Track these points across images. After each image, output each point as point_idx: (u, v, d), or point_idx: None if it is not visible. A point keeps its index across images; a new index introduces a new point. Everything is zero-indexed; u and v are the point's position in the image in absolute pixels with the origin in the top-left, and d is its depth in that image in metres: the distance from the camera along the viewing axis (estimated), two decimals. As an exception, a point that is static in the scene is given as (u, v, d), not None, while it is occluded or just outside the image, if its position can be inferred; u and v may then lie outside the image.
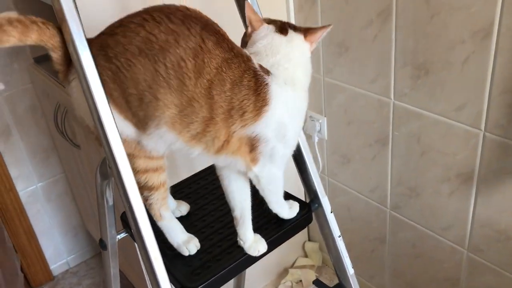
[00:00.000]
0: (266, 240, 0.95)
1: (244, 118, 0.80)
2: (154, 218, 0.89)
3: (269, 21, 0.89)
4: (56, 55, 0.81)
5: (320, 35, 0.88)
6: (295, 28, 0.88)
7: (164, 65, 0.76)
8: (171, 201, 1.03)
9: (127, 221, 0.88)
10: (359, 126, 1.57)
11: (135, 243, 0.79)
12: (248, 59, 0.81)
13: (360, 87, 1.50)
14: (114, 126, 0.75)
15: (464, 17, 1.14)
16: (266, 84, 0.81)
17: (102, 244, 1.02)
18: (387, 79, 1.41)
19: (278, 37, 0.85)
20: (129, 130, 0.82)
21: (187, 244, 0.93)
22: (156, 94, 0.77)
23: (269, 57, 0.83)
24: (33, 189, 2.03)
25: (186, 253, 0.92)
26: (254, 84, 0.80)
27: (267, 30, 0.86)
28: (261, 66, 0.82)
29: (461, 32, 1.16)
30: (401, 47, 1.32)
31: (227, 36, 0.81)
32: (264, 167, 0.86)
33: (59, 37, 0.78)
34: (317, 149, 1.77)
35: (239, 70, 0.79)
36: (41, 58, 1.84)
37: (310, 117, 1.74)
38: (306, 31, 0.87)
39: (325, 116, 1.69)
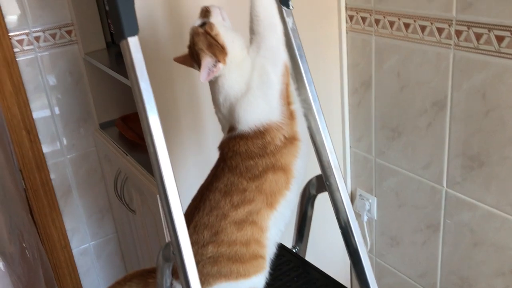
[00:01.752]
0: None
1: None
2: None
3: None
4: None
5: None
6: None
7: None
8: None
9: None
10: (410, 209, 1.57)
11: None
12: None
13: (412, 171, 1.52)
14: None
15: (521, 115, 1.16)
16: None
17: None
18: (440, 167, 1.42)
19: None
20: None
21: None
22: None
23: None
24: (85, 247, 2.10)
25: None
26: None
27: None
28: None
29: (518, 129, 1.17)
30: (455, 138, 1.34)
31: None
32: None
33: None
34: (366, 228, 1.77)
35: None
36: (106, 124, 1.96)
37: (360, 195, 1.75)
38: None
39: (375, 196, 1.70)
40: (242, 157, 0.90)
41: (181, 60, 0.96)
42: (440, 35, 1.29)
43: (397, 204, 1.62)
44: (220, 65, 0.90)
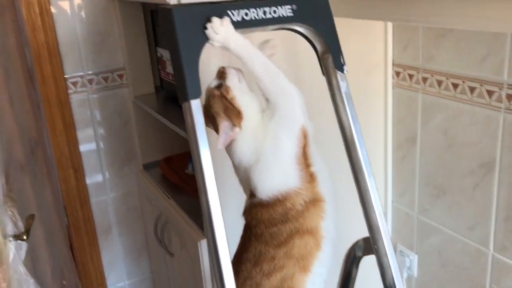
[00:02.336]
0: None
1: None
2: None
3: None
4: None
5: None
6: None
7: None
8: None
9: None
10: (453, 270, 1.53)
11: None
12: None
13: (456, 231, 1.49)
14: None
15: None
16: None
17: None
18: (487, 229, 1.38)
19: None
20: None
21: None
22: None
23: None
24: (121, 285, 2.12)
25: None
26: None
27: None
28: None
29: None
30: (503, 201, 1.31)
31: None
32: None
33: None
34: (404, 286, 1.72)
35: None
36: (150, 165, 2.01)
37: (400, 251, 1.72)
38: None
39: (416, 253, 1.67)
40: (265, 225, 0.91)
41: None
42: (490, 97, 1.28)
43: (440, 264, 1.58)
44: (237, 129, 0.91)
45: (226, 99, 0.91)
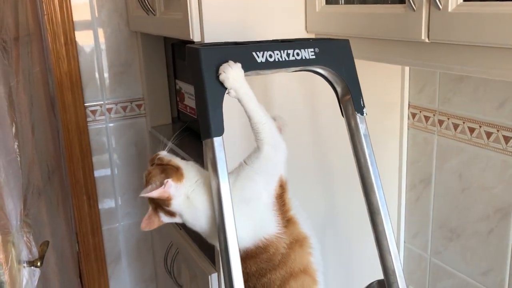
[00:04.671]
0: None
1: None
2: None
3: None
4: None
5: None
6: None
7: None
8: None
9: None
10: (466, 316, 1.51)
11: None
12: None
13: (470, 276, 1.47)
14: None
15: None
16: None
17: None
18: (502, 275, 1.37)
19: None
20: None
21: None
22: None
23: None
24: (127, 316, 2.11)
25: None
26: None
27: None
28: None
29: None
30: (519, 248, 1.30)
31: None
32: None
33: None
34: (416, 329, 1.69)
35: None
36: (162, 195, 2.02)
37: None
38: None
39: (428, 296, 1.65)
40: (256, 277, 0.92)
41: (146, 223, 1.02)
42: (506, 143, 1.29)
43: (452, 308, 1.56)
44: (170, 181, 0.91)
45: (162, 164, 0.95)
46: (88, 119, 1.85)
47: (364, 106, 0.98)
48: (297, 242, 0.94)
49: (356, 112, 0.97)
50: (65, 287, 1.67)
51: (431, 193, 1.56)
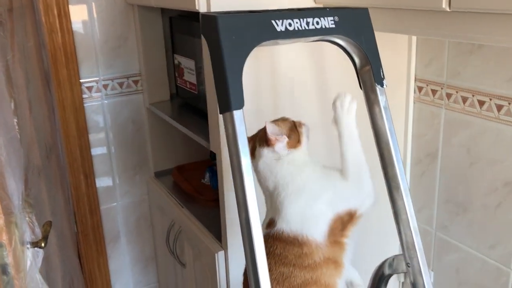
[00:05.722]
0: None
1: None
2: None
3: None
4: None
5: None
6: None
7: None
8: None
9: None
10: (472, 289, 1.51)
11: None
12: None
13: (477, 250, 1.47)
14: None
15: None
16: None
17: None
18: (509, 248, 1.37)
19: None
20: None
21: None
22: None
23: None
24: (127, 295, 2.08)
25: None
26: None
27: None
28: None
29: None
30: (529, 221, 1.30)
31: None
32: None
33: None
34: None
35: None
36: (161, 173, 1.98)
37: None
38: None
39: (432, 271, 1.65)
40: (275, 260, 0.90)
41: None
42: (518, 116, 1.27)
43: (457, 282, 1.56)
44: (285, 138, 0.95)
45: (296, 127, 0.99)
46: (84, 95, 1.79)
47: (384, 77, 0.95)
48: (334, 263, 0.95)
49: (375, 84, 0.94)
50: (66, 267, 1.63)
51: (437, 168, 1.55)
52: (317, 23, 0.88)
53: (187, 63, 1.70)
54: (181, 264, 1.75)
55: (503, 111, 1.31)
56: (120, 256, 2.02)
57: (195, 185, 1.84)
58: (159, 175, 1.98)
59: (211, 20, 0.81)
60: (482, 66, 1.34)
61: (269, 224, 0.97)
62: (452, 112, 1.46)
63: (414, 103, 1.58)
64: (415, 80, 1.56)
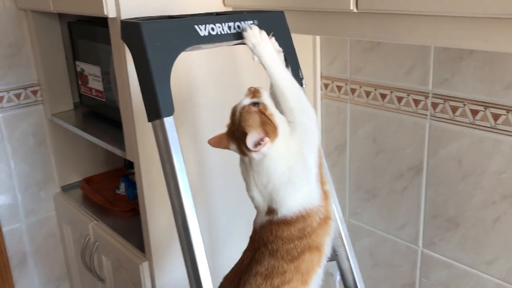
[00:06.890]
0: None
1: None
2: None
3: None
4: None
5: None
6: None
7: None
8: None
9: None
10: (385, 269, 1.63)
11: None
12: None
13: (387, 232, 1.58)
14: None
15: (495, 181, 1.26)
16: None
17: None
18: (416, 228, 1.49)
19: None
20: None
21: None
22: None
23: None
24: (38, 320, 1.94)
25: None
26: None
27: None
28: None
29: (491, 194, 1.28)
30: (431, 201, 1.43)
31: None
32: None
33: None
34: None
35: None
36: (68, 187, 1.88)
37: (336, 254, 1.78)
38: None
39: None
40: (283, 241, 0.91)
41: (215, 141, 0.94)
42: (416, 106, 1.39)
43: (371, 264, 1.67)
44: (267, 140, 0.88)
45: (265, 115, 0.89)
46: (-24, 110, 1.64)
47: (303, 77, 0.99)
48: (325, 219, 0.94)
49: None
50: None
51: (346, 159, 1.64)
52: (238, 27, 0.90)
53: (91, 70, 1.63)
54: (100, 279, 1.67)
55: (403, 102, 1.42)
56: (28, 279, 1.88)
57: (108, 196, 1.77)
58: (66, 189, 1.87)
59: (133, 27, 0.79)
60: (382, 62, 1.44)
61: (269, 212, 0.94)
62: (357, 106, 1.55)
63: (321, 99, 1.66)
64: (321, 78, 1.64)
